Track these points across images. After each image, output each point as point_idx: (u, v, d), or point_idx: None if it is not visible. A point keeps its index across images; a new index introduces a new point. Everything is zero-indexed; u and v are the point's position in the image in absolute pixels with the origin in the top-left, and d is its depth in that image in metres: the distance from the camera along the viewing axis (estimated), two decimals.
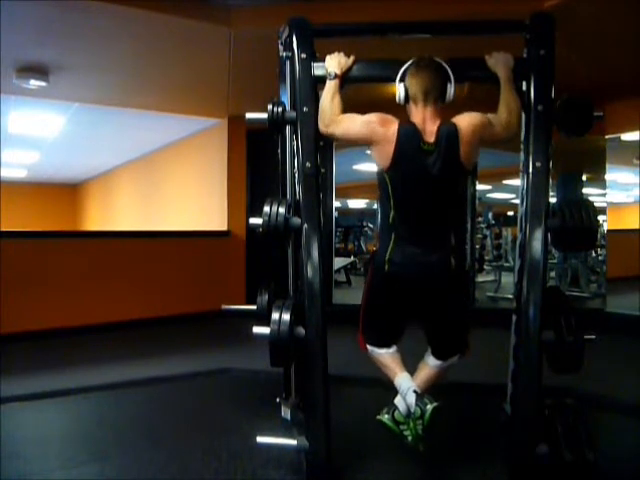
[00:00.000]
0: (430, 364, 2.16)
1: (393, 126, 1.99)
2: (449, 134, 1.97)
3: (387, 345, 2.18)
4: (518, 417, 2.03)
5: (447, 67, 2.07)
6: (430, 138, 1.97)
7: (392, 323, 2.19)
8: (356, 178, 6.59)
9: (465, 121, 2.00)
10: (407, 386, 2.02)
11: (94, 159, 8.96)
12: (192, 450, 2.30)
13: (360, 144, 2.10)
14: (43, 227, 9.82)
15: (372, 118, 2.03)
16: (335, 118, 2.11)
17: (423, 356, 2.22)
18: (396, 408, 2.05)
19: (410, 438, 1.96)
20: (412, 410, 1.94)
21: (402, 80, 2.09)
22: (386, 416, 2.05)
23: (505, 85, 2.12)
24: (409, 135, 1.97)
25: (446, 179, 2.00)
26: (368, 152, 2.10)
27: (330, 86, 2.16)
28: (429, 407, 1.90)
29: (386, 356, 2.16)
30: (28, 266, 4.43)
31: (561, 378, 2.10)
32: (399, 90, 2.09)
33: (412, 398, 1.96)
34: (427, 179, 1.98)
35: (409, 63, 2.10)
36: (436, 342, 2.17)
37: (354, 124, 2.07)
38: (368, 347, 2.22)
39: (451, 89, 2.06)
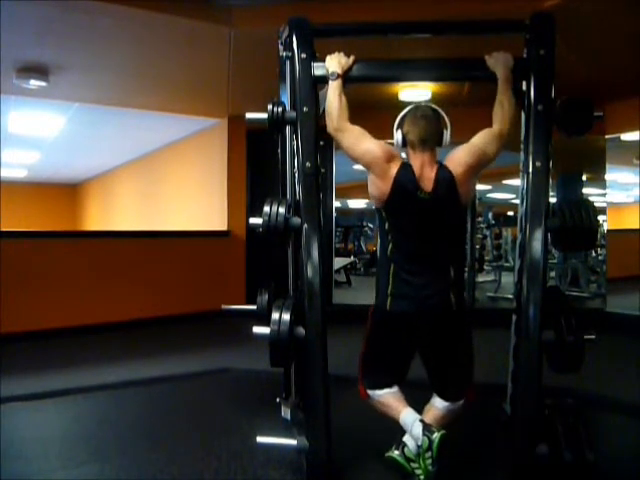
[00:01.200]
0: (437, 406, 2.10)
1: (394, 165, 2.00)
2: (446, 182, 1.98)
3: (389, 385, 2.14)
4: (518, 417, 2.03)
5: (444, 115, 2.09)
6: (428, 186, 1.98)
7: (393, 362, 2.15)
8: (356, 178, 6.57)
9: (459, 163, 2.00)
10: (413, 418, 1.99)
11: (94, 159, 8.96)
12: (192, 450, 2.30)
13: (356, 163, 2.10)
14: (43, 227, 9.81)
15: (377, 150, 2.02)
16: (344, 125, 2.09)
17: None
18: (405, 445, 2.02)
19: (422, 477, 1.93)
20: (419, 443, 1.91)
21: (400, 126, 2.10)
22: (396, 452, 2.04)
23: (502, 85, 2.12)
24: (407, 181, 1.98)
25: (445, 219, 2.01)
26: (355, 167, 2.09)
27: (334, 86, 2.15)
28: (436, 435, 1.88)
29: (388, 396, 2.12)
30: (28, 266, 4.43)
31: (561, 378, 2.10)
32: (397, 136, 2.10)
33: (419, 429, 1.93)
34: (424, 221, 1.99)
35: (406, 110, 2.11)
36: (439, 380, 2.12)
37: (360, 145, 2.06)
38: (369, 392, 2.17)
39: (447, 135, 2.08)
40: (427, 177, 1.99)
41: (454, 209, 2.01)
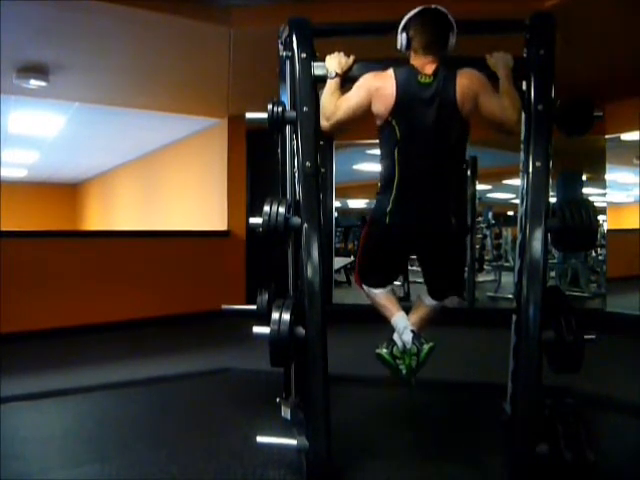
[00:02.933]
0: (426, 303, 2.27)
1: (389, 72, 2.06)
2: (447, 73, 2.02)
3: (383, 286, 2.27)
4: (518, 417, 2.03)
5: (451, 18, 2.09)
6: (428, 71, 2.02)
7: (389, 268, 2.29)
8: (356, 178, 6.60)
9: (465, 70, 2.06)
10: (403, 325, 2.14)
11: (94, 159, 8.96)
12: (192, 450, 2.30)
13: (365, 113, 2.11)
14: (43, 227, 9.81)
15: (365, 78, 2.09)
16: (334, 109, 2.14)
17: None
18: (394, 344, 2.14)
19: (404, 371, 2.08)
20: (408, 347, 2.07)
21: (405, 28, 2.12)
22: (384, 350, 2.15)
23: (505, 84, 2.12)
24: (407, 72, 2.04)
25: (444, 118, 2.01)
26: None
27: (331, 85, 2.18)
28: (425, 346, 2.05)
29: (382, 296, 2.26)
30: (28, 266, 4.43)
31: (561, 378, 2.10)
32: (401, 38, 2.13)
33: (409, 336, 2.09)
34: (428, 114, 2.01)
35: (413, 13, 2.11)
36: (433, 284, 2.27)
37: (351, 97, 2.11)
38: (364, 287, 2.29)
39: (453, 39, 2.11)
40: (428, 68, 2.04)
41: (452, 108, 2.01)
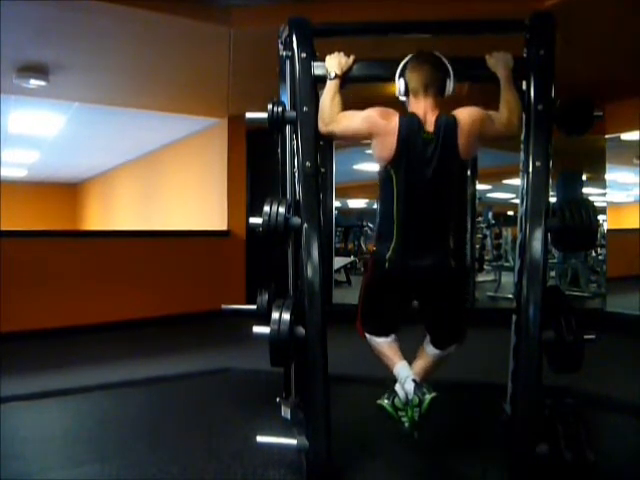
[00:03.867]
0: (429, 353, 2.20)
1: (394, 118, 2.01)
2: (447, 124, 1.99)
3: (385, 334, 2.21)
4: (518, 417, 2.03)
5: (446, 62, 2.08)
6: (430, 127, 1.99)
7: (391, 315, 2.22)
8: (356, 178, 6.60)
9: (465, 114, 2.02)
10: (405, 375, 2.07)
11: (94, 159, 8.96)
12: (192, 450, 2.30)
13: (360, 140, 2.12)
14: (43, 227, 9.80)
15: (372, 112, 2.05)
16: (335, 117, 2.13)
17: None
18: (396, 395, 2.08)
19: (407, 424, 2.01)
20: (410, 398, 1.99)
21: (402, 74, 2.11)
22: (386, 401, 2.09)
23: (505, 84, 2.13)
24: (411, 125, 2.00)
25: (444, 170, 2.00)
26: (369, 152, 2.11)
27: (330, 86, 2.17)
28: (427, 397, 1.95)
29: (384, 345, 2.20)
30: (28, 266, 4.43)
31: (561, 378, 2.10)
32: (399, 84, 2.11)
33: (411, 386, 2.01)
34: (427, 169, 1.99)
35: (408, 58, 2.12)
36: (435, 332, 2.20)
37: (354, 121, 2.09)
38: (367, 335, 2.25)
39: (450, 84, 2.08)
40: (429, 120, 2.01)
41: (452, 156, 2.00)
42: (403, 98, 2.12)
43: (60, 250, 4.68)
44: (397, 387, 2.09)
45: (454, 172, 2.05)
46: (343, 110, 2.15)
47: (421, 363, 2.18)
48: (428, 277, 2.06)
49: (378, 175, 2.10)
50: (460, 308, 2.23)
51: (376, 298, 2.20)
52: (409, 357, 2.19)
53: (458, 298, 2.21)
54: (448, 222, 2.07)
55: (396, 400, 2.06)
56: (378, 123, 2.02)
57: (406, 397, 2.02)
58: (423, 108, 2.03)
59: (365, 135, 2.07)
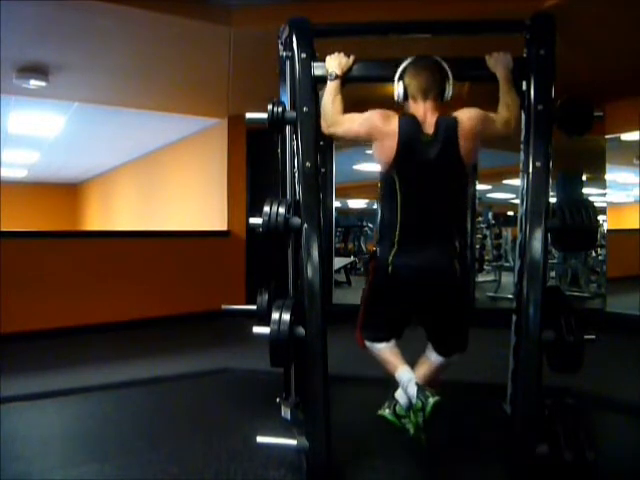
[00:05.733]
0: (432, 360, 2.18)
1: (394, 120, 2.01)
2: (448, 126, 1.99)
3: (386, 340, 2.19)
4: (518, 417, 2.03)
5: (446, 66, 2.08)
6: (429, 129, 2.00)
7: (393, 320, 2.20)
8: (356, 178, 6.59)
9: (464, 115, 2.03)
10: (408, 378, 2.05)
11: (94, 159, 8.96)
12: (192, 450, 2.30)
13: (362, 142, 2.13)
14: (43, 227, 9.81)
15: (372, 115, 2.05)
16: (337, 119, 2.13)
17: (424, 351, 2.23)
18: (397, 402, 2.07)
19: (412, 430, 1.98)
20: (413, 402, 1.96)
21: (400, 78, 2.11)
22: (387, 411, 2.08)
23: (504, 85, 2.13)
24: (410, 127, 2.00)
25: (446, 172, 2.01)
26: (369, 152, 2.11)
27: (331, 87, 2.17)
28: (431, 400, 1.92)
29: (386, 350, 2.18)
30: (28, 266, 4.43)
31: (561, 378, 2.10)
32: (397, 89, 2.11)
33: (414, 390, 1.98)
34: (428, 172, 1.99)
35: (407, 62, 2.12)
36: (439, 340, 2.18)
37: (354, 124, 2.09)
38: (367, 343, 2.23)
39: (449, 87, 2.08)
40: (429, 122, 2.01)
41: (454, 159, 1.99)
42: (402, 102, 2.12)
43: (60, 250, 4.68)
44: (397, 394, 2.08)
45: (456, 173, 2.06)
46: (344, 110, 2.15)
47: (423, 369, 2.16)
48: (433, 282, 2.05)
49: (380, 177, 2.10)
50: (464, 314, 2.20)
51: (379, 303, 2.18)
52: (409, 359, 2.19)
53: (462, 304, 2.18)
54: (452, 225, 2.07)
55: (397, 408, 2.05)
56: (378, 126, 2.02)
57: (409, 402, 2.00)
58: (422, 111, 2.03)
59: (366, 138, 2.07)
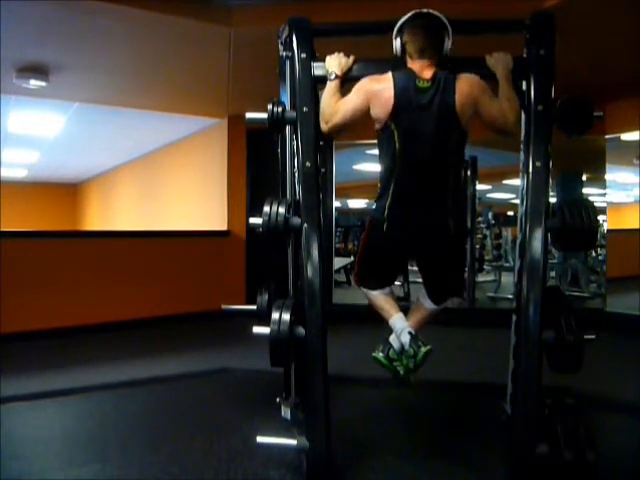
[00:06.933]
0: (426, 306, 2.26)
1: (387, 77, 2.04)
2: (446, 78, 2.01)
3: (381, 287, 2.26)
4: (518, 417, 2.03)
5: (446, 21, 2.08)
6: (427, 76, 2.01)
7: (387, 272, 2.28)
8: (356, 178, 6.60)
9: (465, 76, 2.04)
10: (401, 326, 2.14)
11: (94, 159, 8.96)
12: (192, 450, 2.30)
13: (363, 117, 2.10)
14: (43, 227, 9.81)
15: (364, 82, 2.08)
16: (333, 111, 2.13)
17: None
18: (390, 346, 2.14)
19: (402, 372, 2.09)
20: (406, 348, 2.07)
21: (399, 33, 2.12)
22: (380, 354, 2.16)
23: (504, 85, 2.12)
24: (405, 77, 2.02)
25: (442, 122, 2.00)
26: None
27: (331, 87, 2.17)
28: (423, 349, 2.04)
29: (380, 297, 2.25)
30: (28, 266, 4.43)
31: (561, 378, 2.10)
32: (395, 44, 2.13)
33: (407, 338, 2.08)
34: (425, 120, 1.99)
35: (406, 18, 2.11)
36: (433, 289, 2.25)
37: (349, 101, 2.10)
38: (362, 289, 2.29)
39: (449, 43, 2.10)
40: (426, 72, 2.02)
41: (451, 114, 1.99)
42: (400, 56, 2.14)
43: (60, 250, 4.68)
44: (391, 338, 2.16)
45: (452, 126, 2.04)
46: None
47: (417, 316, 2.25)
48: (426, 238, 2.08)
49: (377, 136, 2.11)
50: (458, 265, 2.29)
51: (373, 256, 2.24)
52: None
53: (456, 257, 2.24)
54: (447, 181, 2.06)
55: (390, 352, 2.13)
56: (373, 87, 2.05)
57: (402, 348, 2.10)
58: (419, 66, 2.05)
59: (366, 106, 2.07)
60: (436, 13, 2.09)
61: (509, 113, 2.06)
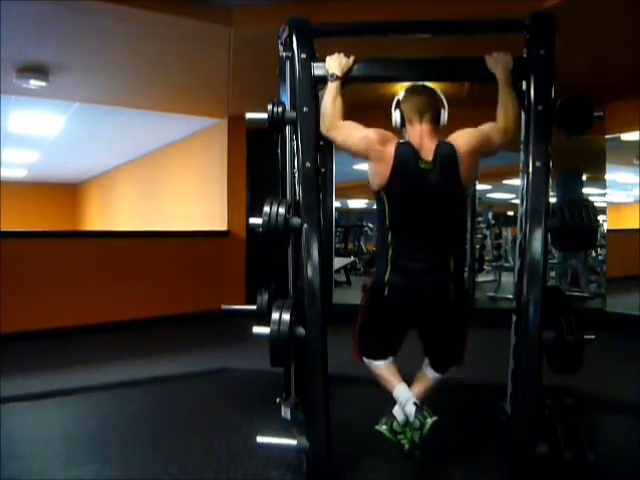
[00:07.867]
0: (429, 376, 2.17)
1: (391, 145, 1.98)
2: (448, 154, 1.97)
3: (383, 357, 2.18)
4: (518, 417, 2.03)
5: (440, 94, 2.09)
6: (428, 156, 1.97)
7: (389, 340, 2.19)
8: (356, 178, 6.58)
9: (463, 140, 2.00)
10: (406, 397, 2.04)
11: (94, 159, 8.96)
12: (192, 450, 2.30)
13: (356, 157, 2.10)
14: (43, 227, 9.81)
15: (371, 135, 2.02)
16: (336, 123, 2.11)
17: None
18: (394, 419, 2.04)
19: (407, 446, 1.98)
20: (411, 420, 1.97)
21: (397, 107, 2.11)
22: (384, 427, 2.06)
23: (504, 86, 2.13)
24: (406, 154, 1.97)
25: (446, 199, 2.00)
26: (355, 167, 2.10)
27: (331, 88, 2.17)
28: (429, 420, 1.93)
29: (383, 368, 2.17)
30: (28, 266, 4.43)
31: (561, 378, 2.10)
32: (395, 116, 2.10)
33: (412, 409, 1.98)
34: (426, 199, 1.98)
35: (404, 92, 2.12)
36: (435, 357, 2.18)
37: (353, 136, 2.07)
38: (364, 359, 2.21)
39: (445, 114, 2.08)
40: (427, 148, 1.98)
41: (454, 186, 1.98)
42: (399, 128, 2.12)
43: (60, 250, 4.68)
44: (395, 410, 2.07)
45: (455, 199, 2.05)
46: (344, 111, 2.14)
47: (421, 386, 2.15)
48: (427, 303, 2.04)
49: (374, 195, 2.08)
50: (460, 332, 2.18)
51: (374, 324, 2.17)
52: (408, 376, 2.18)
53: (458, 323, 2.16)
54: (448, 249, 2.04)
55: (394, 424, 2.04)
56: (375, 148, 1.99)
57: (406, 420, 2.00)
58: (419, 134, 2.02)
59: (361, 154, 2.05)
60: (431, 87, 2.11)
61: (508, 128, 2.07)
